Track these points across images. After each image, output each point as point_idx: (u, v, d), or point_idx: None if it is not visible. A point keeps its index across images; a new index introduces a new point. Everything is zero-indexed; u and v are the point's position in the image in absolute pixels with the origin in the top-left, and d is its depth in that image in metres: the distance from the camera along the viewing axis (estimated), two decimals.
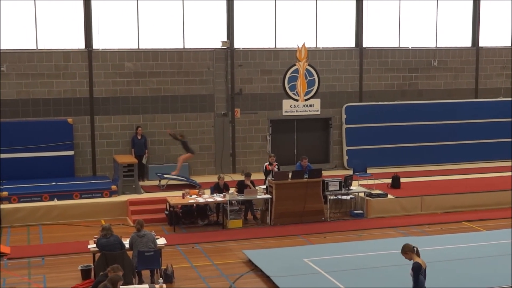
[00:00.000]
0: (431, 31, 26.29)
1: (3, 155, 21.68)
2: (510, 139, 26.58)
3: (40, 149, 22.09)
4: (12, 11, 22.03)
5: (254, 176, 20.30)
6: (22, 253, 16.33)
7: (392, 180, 21.70)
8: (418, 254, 10.39)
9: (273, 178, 19.29)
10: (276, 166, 20.25)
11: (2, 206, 19.16)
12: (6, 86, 22.07)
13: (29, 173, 21.77)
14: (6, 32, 22.06)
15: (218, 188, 19.48)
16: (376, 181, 21.75)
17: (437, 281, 12.95)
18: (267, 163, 20.43)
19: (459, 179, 23.09)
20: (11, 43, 22.12)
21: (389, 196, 20.46)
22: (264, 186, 19.81)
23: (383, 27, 25.78)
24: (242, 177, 19.97)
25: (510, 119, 26.55)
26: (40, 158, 22.09)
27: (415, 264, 10.20)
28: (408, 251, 10.39)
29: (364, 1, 25.21)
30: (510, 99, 26.73)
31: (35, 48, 22.36)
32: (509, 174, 23.19)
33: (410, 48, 26.06)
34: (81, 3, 22.53)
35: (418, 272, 10.11)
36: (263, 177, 20.40)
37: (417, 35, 26.14)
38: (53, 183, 20.79)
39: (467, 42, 26.87)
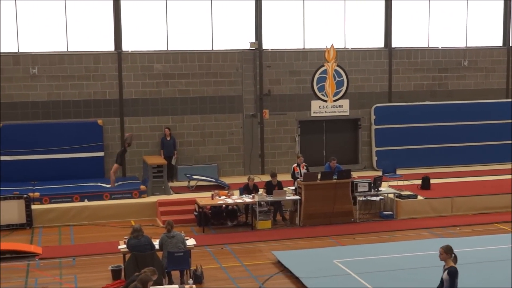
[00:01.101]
0: (461, 31, 26.04)
1: (35, 157, 21.91)
2: None
3: (71, 150, 22.28)
4: (43, 14, 22.26)
5: (283, 177, 20.24)
6: (54, 253, 16.47)
7: (422, 181, 21.53)
8: (455, 260, 10.28)
9: (302, 179, 19.24)
10: (305, 167, 20.19)
11: (34, 207, 19.36)
12: (38, 88, 22.31)
13: (60, 174, 21.98)
14: (37, 34, 22.31)
15: (247, 189, 19.48)
16: (406, 182, 21.60)
17: (468, 283, 12.79)
18: (295, 165, 20.36)
19: (490, 180, 22.81)
20: (42, 46, 22.37)
21: (419, 197, 20.30)
22: (293, 188, 19.76)
23: (412, 27, 25.58)
24: (270, 178, 19.93)
25: None
26: (70, 159, 22.29)
27: (452, 269, 10.12)
28: (449, 252, 10.30)
29: (393, 1, 25.06)
30: None
31: (66, 50, 22.57)
32: None
33: (440, 48, 25.84)
34: (111, 5, 22.69)
35: (455, 276, 10.05)
36: (292, 179, 20.34)
37: (447, 34, 25.91)
38: (90, 184, 21.03)
39: (498, 42, 26.56)
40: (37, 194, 19.84)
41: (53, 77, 22.40)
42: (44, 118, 22.41)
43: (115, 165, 21.05)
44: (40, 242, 17.60)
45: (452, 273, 10.09)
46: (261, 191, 19.35)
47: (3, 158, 21.78)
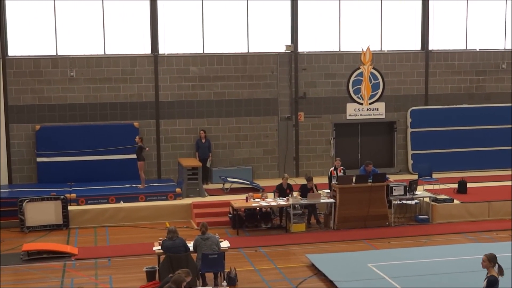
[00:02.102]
0: (499, 33, 25.69)
1: (71, 158, 22.19)
2: None
3: (107, 152, 22.50)
4: (81, 17, 22.54)
5: (318, 180, 20.20)
6: (89, 254, 16.66)
7: (458, 185, 21.31)
8: (499, 271, 10.08)
9: (337, 182, 19.17)
10: (342, 171, 20.11)
11: (70, 208, 19.60)
12: (75, 90, 22.59)
13: (97, 176, 22.24)
14: (75, 37, 22.61)
15: (281, 188, 19.48)
16: (442, 186, 21.36)
17: None
18: (332, 168, 20.29)
19: None
20: (80, 49, 22.67)
21: (455, 201, 20.08)
22: (328, 191, 19.70)
23: (449, 29, 25.32)
24: (305, 181, 19.89)
25: None
26: (106, 161, 22.52)
27: (492, 278, 9.96)
28: (492, 261, 10.12)
29: (430, 2, 24.82)
30: None
31: (103, 53, 22.84)
32: None
33: (478, 50, 25.52)
34: (148, 9, 22.89)
35: (493, 286, 9.88)
36: (327, 181, 20.30)
37: (485, 37, 25.58)
38: (126, 186, 21.28)
39: None
40: (73, 195, 20.09)
41: (91, 80, 22.67)
42: (81, 120, 22.68)
43: (141, 163, 21.02)
44: (76, 243, 17.81)
45: (491, 282, 9.91)
46: (295, 193, 19.32)
47: (41, 159, 22.11)
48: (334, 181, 19.62)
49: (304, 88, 24.21)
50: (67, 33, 22.54)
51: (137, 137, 21.25)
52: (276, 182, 21.35)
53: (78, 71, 22.55)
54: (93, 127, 22.67)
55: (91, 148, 22.42)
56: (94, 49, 22.79)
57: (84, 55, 22.65)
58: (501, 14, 25.59)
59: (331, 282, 14.07)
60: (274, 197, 19.45)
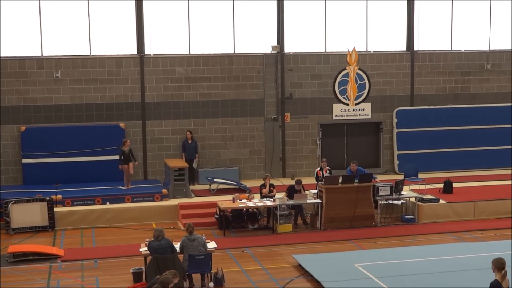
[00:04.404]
0: (484, 33, 25.83)
1: (57, 159, 22.09)
2: None
3: (93, 153, 22.44)
4: (66, 18, 22.44)
5: (304, 181, 20.20)
6: (76, 255, 16.58)
7: (444, 185, 21.40)
8: (504, 274, 10.05)
9: (323, 183, 19.20)
10: (328, 171, 20.15)
11: (56, 209, 19.49)
12: (61, 91, 22.50)
13: (83, 177, 22.18)
14: (60, 38, 22.51)
15: (263, 187, 19.59)
16: (428, 186, 21.47)
17: None
18: (318, 169, 20.33)
19: None
20: (65, 49, 22.56)
21: (441, 201, 20.16)
22: (315, 191, 19.73)
23: (434, 29, 25.43)
24: (291, 182, 19.87)
25: None
26: (93, 162, 22.45)
27: (494, 282, 9.95)
28: (497, 266, 10.08)
29: (415, 3, 24.91)
30: None
31: (89, 54, 22.75)
32: None
33: (463, 51, 25.65)
34: (133, 9, 22.82)
35: None
36: (314, 182, 20.34)
37: (470, 37, 25.71)
38: (112, 187, 21.24)
39: None
40: (59, 196, 20.01)
41: (76, 81, 22.58)
42: (67, 121, 22.59)
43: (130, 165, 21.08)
44: (62, 244, 17.73)
45: (492, 286, 9.91)
46: (282, 194, 19.33)
47: (26, 161, 22.00)
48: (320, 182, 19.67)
49: (290, 88, 24.23)
50: (52, 33, 22.43)
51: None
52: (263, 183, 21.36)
53: (64, 72, 22.45)
54: (79, 128, 22.59)
55: (77, 149, 22.34)
56: (79, 49, 22.69)
57: (70, 55, 22.55)
58: (486, 14, 25.73)
59: (318, 282, 14.08)
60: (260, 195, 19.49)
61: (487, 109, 25.66)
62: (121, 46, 23.00)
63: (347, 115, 24.82)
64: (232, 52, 23.79)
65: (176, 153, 23.29)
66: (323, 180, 19.47)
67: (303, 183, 19.59)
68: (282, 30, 23.99)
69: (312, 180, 20.64)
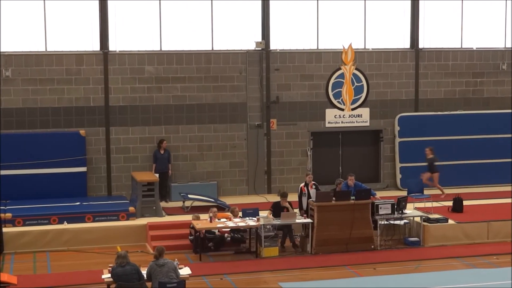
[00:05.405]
0: (499, 30, 26.03)
1: (6, 172, 21.94)
2: None
3: (48, 165, 22.32)
4: (18, 10, 22.36)
5: (293, 198, 20.19)
6: (28, 283, 16.42)
7: (453, 203, 21.48)
8: None
9: (314, 200, 19.18)
10: (314, 186, 20.06)
11: (5, 229, 19.34)
12: (11, 93, 22.39)
13: (36, 192, 22.05)
14: (12, 32, 22.40)
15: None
16: (435, 204, 21.55)
17: None
18: (303, 184, 20.23)
19: None
20: (17, 45, 22.47)
21: (450, 221, 20.23)
22: (297, 210, 19.68)
23: (443, 25, 25.60)
24: (278, 198, 19.86)
25: None
26: (48, 175, 22.34)
27: None
28: None
29: None
30: None
31: (44, 50, 22.69)
32: None
33: (475, 49, 25.84)
34: (97, 1, 22.79)
35: None
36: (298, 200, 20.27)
37: (483, 34, 25.90)
38: (65, 204, 21.03)
39: None
40: (9, 215, 19.86)
41: (30, 81, 22.49)
42: (18, 127, 22.47)
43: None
44: (11, 270, 17.57)
45: None
46: (266, 213, 19.30)
47: None
48: (305, 199, 19.60)
49: (277, 91, 24.29)
50: (2, 27, 22.29)
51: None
52: (245, 199, 21.38)
53: (15, 70, 22.36)
54: (32, 136, 22.49)
55: (30, 160, 22.22)
56: (33, 45, 22.65)
57: (22, 52, 22.48)
58: (501, 8, 25.92)
59: None
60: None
61: (502, 115, 25.82)
62: (82, 41, 22.98)
63: (342, 122, 24.89)
64: (210, 48, 23.84)
65: (145, 165, 23.24)
66: (309, 197, 19.40)
67: (292, 200, 19.57)
68: (268, 24, 24.06)
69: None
